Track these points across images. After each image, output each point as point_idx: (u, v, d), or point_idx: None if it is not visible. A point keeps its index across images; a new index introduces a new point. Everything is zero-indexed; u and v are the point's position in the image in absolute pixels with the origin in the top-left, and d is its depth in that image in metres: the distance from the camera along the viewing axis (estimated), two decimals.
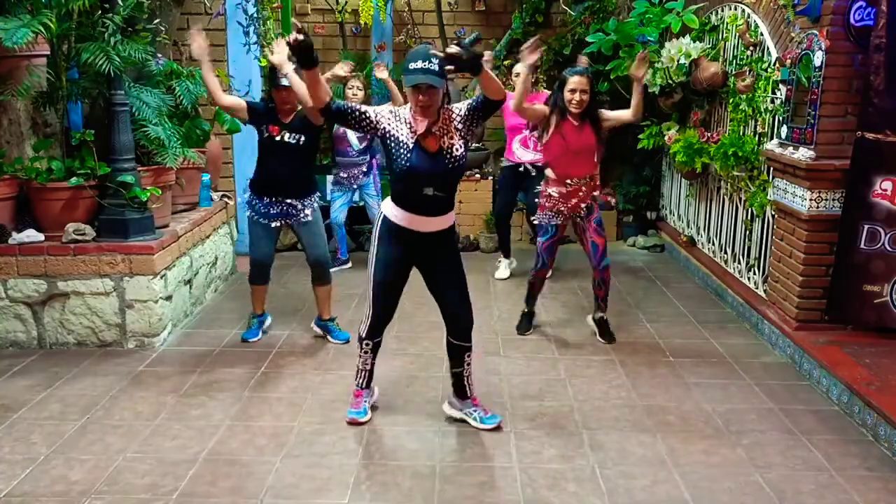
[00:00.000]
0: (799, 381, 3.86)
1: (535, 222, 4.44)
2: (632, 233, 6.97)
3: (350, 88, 5.71)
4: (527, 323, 4.55)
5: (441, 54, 2.80)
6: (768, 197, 4.50)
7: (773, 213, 4.47)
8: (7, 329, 4.18)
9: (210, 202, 5.33)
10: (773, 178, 4.42)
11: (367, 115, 3.04)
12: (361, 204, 5.99)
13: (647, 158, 6.83)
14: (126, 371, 3.90)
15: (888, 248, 3.84)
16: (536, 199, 4.40)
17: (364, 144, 5.65)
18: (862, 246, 3.87)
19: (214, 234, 5.25)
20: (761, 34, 4.68)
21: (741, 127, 4.98)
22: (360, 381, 3.41)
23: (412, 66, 2.88)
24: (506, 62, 6.79)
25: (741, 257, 5.07)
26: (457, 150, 3.03)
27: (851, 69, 3.83)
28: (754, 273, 4.82)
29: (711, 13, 5.66)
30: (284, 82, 3.94)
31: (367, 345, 3.34)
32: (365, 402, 3.40)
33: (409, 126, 3.03)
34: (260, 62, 5.73)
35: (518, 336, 4.47)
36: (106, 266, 4.13)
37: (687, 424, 3.37)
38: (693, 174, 5.72)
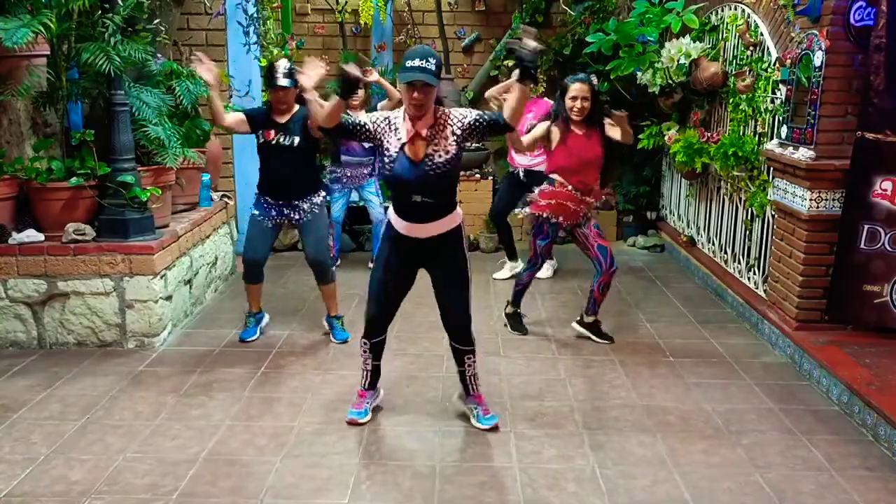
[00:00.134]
0: (799, 381, 3.86)
1: (531, 215, 4.39)
2: (632, 233, 6.98)
3: None
4: (521, 323, 4.54)
5: (528, 48, 2.80)
6: (768, 197, 4.50)
7: (773, 213, 4.47)
8: (7, 329, 4.18)
9: (210, 202, 5.33)
10: (773, 178, 4.42)
11: (367, 126, 3.07)
12: (361, 204, 5.99)
13: (647, 158, 6.83)
14: (126, 371, 3.90)
15: (888, 248, 3.84)
16: (528, 204, 4.38)
17: (371, 145, 5.65)
18: (862, 246, 3.87)
19: (214, 234, 5.25)
20: (761, 34, 4.68)
21: (741, 127, 4.98)
22: (363, 381, 3.42)
23: (409, 63, 2.89)
24: (506, 62, 6.80)
25: (741, 257, 5.07)
26: (440, 157, 2.99)
27: (851, 69, 3.83)
28: (754, 273, 4.82)
29: (711, 13, 5.66)
30: (282, 83, 3.93)
31: (364, 344, 3.34)
32: (367, 403, 3.40)
33: (396, 132, 3.04)
34: (260, 62, 5.73)
35: (518, 336, 4.47)
36: (106, 266, 4.13)
37: (687, 424, 3.37)
38: (693, 174, 5.72)
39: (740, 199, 5.08)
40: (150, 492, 2.79)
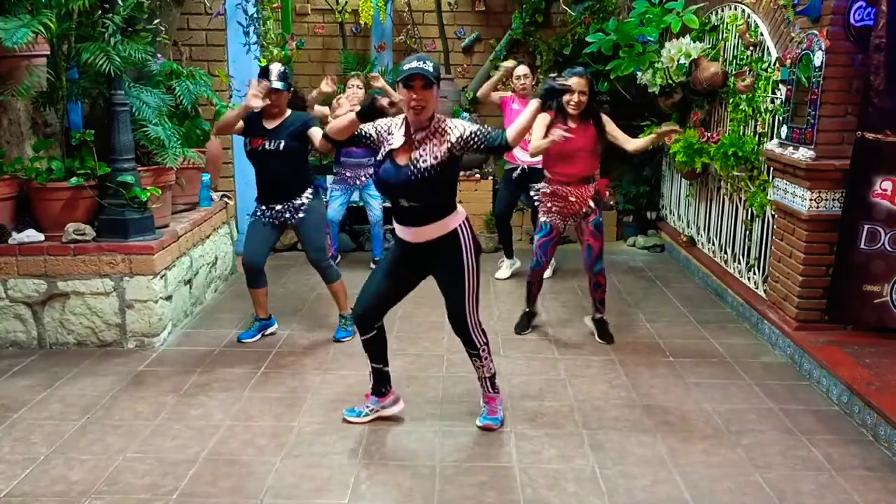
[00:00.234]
0: (799, 381, 3.86)
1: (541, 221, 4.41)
2: (632, 233, 6.98)
3: (350, 87, 5.71)
4: (525, 322, 4.54)
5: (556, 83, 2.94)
6: (768, 197, 4.50)
7: (773, 213, 4.47)
8: (7, 329, 4.18)
9: (210, 202, 5.33)
10: (773, 178, 4.42)
11: (370, 135, 3.07)
12: (361, 204, 5.99)
13: (647, 158, 6.83)
14: (126, 371, 3.90)
15: (888, 248, 3.84)
16: (537, 201, 4.39)
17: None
18: (862, 246, 3.87)
19: (214, 234, 5.25)
20: (761, 34, 4.68)
21: (741, 127, 4.98)
22: (370, 383, 3.39)
23: (406, 66, 2.89)
24: (506, 62, 6.80)
25: (741, 257, 5.07)
26: (423, 162, 2.95)
27: (851, 69, 3.83)
28: (754, 273, 4.82)
29: (711, 13, 5.66)
30: (275, 85, 3.92)
31: (361, 336, 3.29)
32: (367, 406, 3.37)
33: (390, 137, 3.04)
34: (260, 62, 5.74)
35: (518, 336, 4.47)
36: (106, 266, 4.13)
37: (687, 424, 3.37)
38: (693, 174, 5.72)
39: (740, 199, 5.08)
40: (150, 492, 2.79)
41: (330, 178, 5.99)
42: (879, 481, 2.92)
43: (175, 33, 5.50)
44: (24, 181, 4.13)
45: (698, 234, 5.97)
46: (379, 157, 3.06)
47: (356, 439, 3.20)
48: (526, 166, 5.43)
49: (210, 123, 5.11)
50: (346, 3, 6.62)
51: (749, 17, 4.88)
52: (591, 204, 4.23)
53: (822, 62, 3.85)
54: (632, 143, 4.27)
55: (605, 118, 4.24)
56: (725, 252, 5.36)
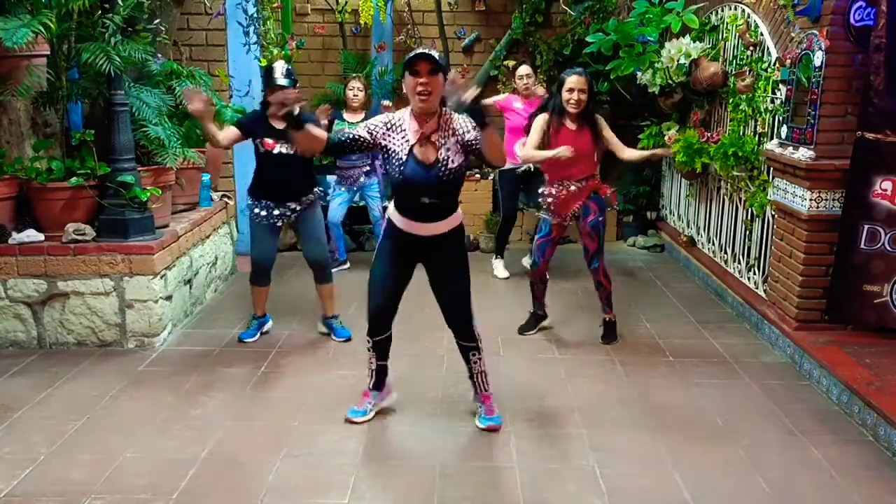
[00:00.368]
0: (799, 381, 3.86)
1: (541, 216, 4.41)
2: (632, 233, 6.98)
3: (351, 89, 5.71)
4: (532, 323, 4.53)
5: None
6: (768, 197, 4.50)
7: (773, 213, 4.47)
8: (7, 329, 4.18)
9: (210, 202, 5.33)
10: (773, 178, 4.42)
11: (363, 138, 3.04)
12: (362, 204, 5.99)
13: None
14: (126, 371, 3.90)
15: (888, 248, 3.84)
16: (540, 199, 4.38)
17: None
18: (862, 246, 3.87)
19: (214, 234, 5.25)
20: (761, 34, 4.68)
21: (741, 127, 4.98)
22: (369, 381, 3.41)
23: (410, 56, 2.90)
24: (506, 62, 6.80)
25: (741, 257, 5.07)
26: (452, 162, 2.98)
27: (851, 69, 3.83)
28: (754, 273, 4.82)
29: (711, 13, 5.65)
30: (280, 82, 3.92)
31: (368, 342, 3.33)
32: (368, 403, 3.39)
33: (402, 134, 3.02)
34: (260, 62, 5.73)
35: (518, 336, 4.47)
36: (106, 266, 4.13)
37: (687, 424, 3.37)
38: (693, 174, 5.72)
39: (740, 199, 5.08)
40: (150, 492, 2.79)
41: (332, 177, 5.99)
42: (879, 481, 2.92)
43: (175, 33, 5.49)
44: (24, 181, 4.13)
45: (698, 234, 5.97)
46: (397, 157, 3.01)
47: (356, 439, 3.20)
48: (531, 166, 5.44)
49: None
50: (346, 3, 6.61)
51: (749, 17, 4.88)
52: (595, 200, 4.24)
53: (822, 62, 3.85)
54: (626, 153, 4.28)
55: (602, 121, 4.23)
56: (725, 252, 5.36)
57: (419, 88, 2.89)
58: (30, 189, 4.14)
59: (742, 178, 4.92)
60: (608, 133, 4.24)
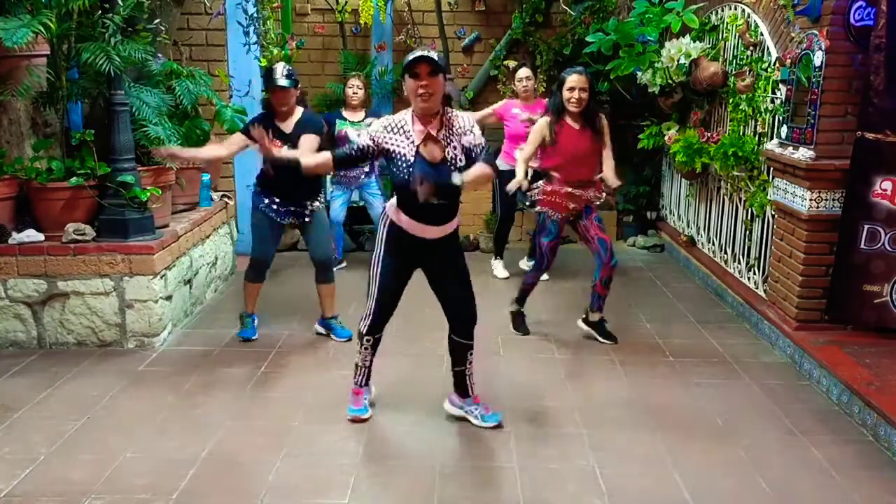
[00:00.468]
0: (799, 381, 3.86)
1: (538, 212, 4.39)
2: (632, 233, 6.98)
3: (350, 87, 5.71)
4: (521, 322, 4.53)
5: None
6: (768, 197, 4.50)
7: (773, 213, 4.47)
8: (7, 329, 4.18)
9: (210, 202, 5.33)
10: (773, 178, 4.42)
11: (369, 146, 3.06)
12: (361, 204, 5.99)
13: (647, 158, 6.84)
14: (126, 371, 3.90)
15: (888, 248, 3.84)
16: (533, 200, 4.38)
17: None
18: (862, 246, 3.87)
19: (214, 234, 5.25)
20: (761, 34, 4.68)
21: (741, 127, 4.98)
22: (360, 378, 3.42)
23: (410, 57, 2.90)
24: (506, 62, 6.80)
25: (741, 257, 5.07)
26: (460, 161, 3.01)
27: (851, 69, 3.83)
28: (754, 273, 4.82)
29: (711, 13, 5.66)
30: (281, 83, 3.92)
31: (367, 341, 3.34)
32: (365, 399, 3.41)
33: (407, 135, 3.01)
34: (260, 62, 5.74)
35: (518, 336, 4.47)
36: (106, 266, 4.13)
37: (687, 424, 3.37)
38: (693, 174, 5.72)
39: (740, 199, 5.08)
40: (150, 492, 2.79)
41: (329, 177, 5.98)
42: (879, 481, 2.92)
43: (175, 33, 5.50)
44: (24, 181, 4.13)
45: (698, 234, 5.97)
46: (404, 159, 3.00)
47: (356, 439, 3.20)
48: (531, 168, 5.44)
49: (210, 123, 5.11)
50: (346, 2, 6.61)
51: (749, 16, 4.88)
52: (596, 201, 4.25)
53: (822, 62, 3.85)
54: (607, 164, 4.24)
55: (604, 122, 4.23)
56: (725, 252, 5.36)
57: (420, 91, 2.90)
58: (30, 189, 4.14)
59: (742, 178, 4.92)
60: (607, 138, 4.24)
